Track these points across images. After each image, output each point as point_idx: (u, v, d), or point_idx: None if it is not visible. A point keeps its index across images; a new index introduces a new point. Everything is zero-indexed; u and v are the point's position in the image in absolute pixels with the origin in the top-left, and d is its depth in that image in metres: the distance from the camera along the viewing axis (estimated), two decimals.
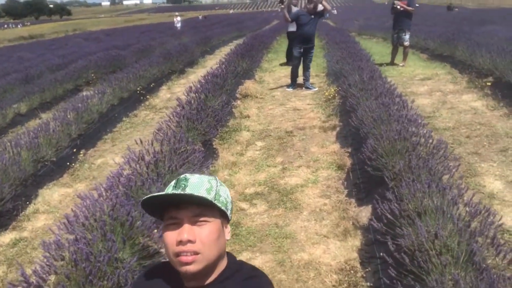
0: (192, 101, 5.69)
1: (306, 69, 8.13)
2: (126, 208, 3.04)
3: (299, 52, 7.97)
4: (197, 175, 1.08)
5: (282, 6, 8.43)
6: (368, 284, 2.81)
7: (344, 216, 3.62)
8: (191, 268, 0.99)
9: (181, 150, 4.28)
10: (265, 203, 3.94)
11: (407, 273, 2.37)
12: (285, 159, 4.89)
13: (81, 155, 5.52)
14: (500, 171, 4.07)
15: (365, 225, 3.41)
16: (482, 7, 56.95)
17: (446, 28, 14.16)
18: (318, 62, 10.72)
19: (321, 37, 15.54)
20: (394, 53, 10.00)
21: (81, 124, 5.96)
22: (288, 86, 8.41)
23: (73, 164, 5.28)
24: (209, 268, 1.04)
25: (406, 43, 9.54)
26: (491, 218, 2.64)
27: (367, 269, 2.94)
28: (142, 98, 8.02)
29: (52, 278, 2.65)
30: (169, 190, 1.05)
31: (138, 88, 8.17)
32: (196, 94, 5.99)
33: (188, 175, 1.07)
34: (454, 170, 3.25)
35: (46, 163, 5.05)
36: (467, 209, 2.70)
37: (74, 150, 5.51)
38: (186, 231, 0.99)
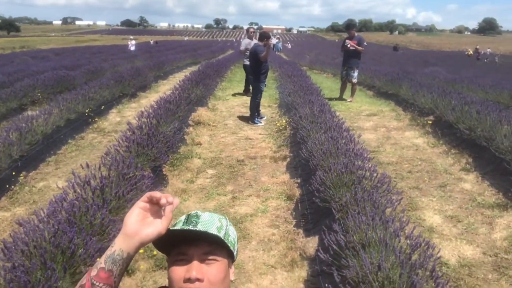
0: (143, 126, 5.61)
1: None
2: (69, 235, 2.92)
3: (264, 86, 8.05)
4: (207, 213, 1.08)
5: (264, 42, 7.79)
6: None
7: (292, 247, 3.65)
8: None
9: (129, 176, 4.18)
10: None
11: None
12: (236, 188, 4.90)
13: (22, 177, 5.26)
14: (439, 206, 4.29)
15: (312, 256, 3.46)
16: (425, 49, 60.81)
17: (392, 67, 14.98)
18: (271, 93, 10.96)
19: (274, 69, 15.93)
20: (342, 89, 10.42)
21: (23, 145, 5.69)
22: (256, 120, 8.05)
23: (12, 187, 5.01)
24: None
25: (355, 80, 9.98)
26: (431, 251, 2.77)
27: None
28: (90, 120, 7.81)
29: None
30: (179, 225, 1.04)
31: (87, 110, 7.95)
32: (148, 119, 5.92)
33: (199, 212, 1.07)
34: (396, 203, 3.40)
35: None
36: (408, 241, 2.82)
37: (14, 172, 5.24)
38: (195, 268, 0.98)
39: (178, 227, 1.03)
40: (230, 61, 18.70)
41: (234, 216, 4.22)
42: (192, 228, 1.00)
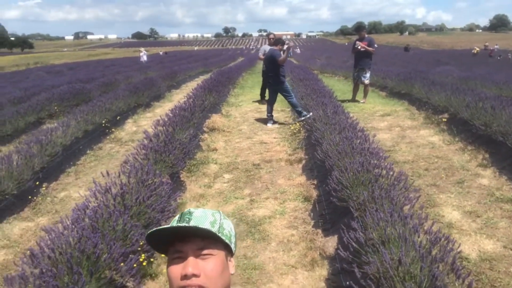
0: (160, 134, 5.71)
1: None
2: (93, 240, 3.00)
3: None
4: (200, 209, 1.08)
5: (285, 47, 8.04)
6: None
7: (311, 247, 3.68)
8: None
9: (148, 182, 4.26)
10: None
11: None
12: (253, 191, 4.95)
13: (44, 188, 5.38)
14: (457, 202, 4.28)
15: (332, 255, 3.49)
16: (436, 48, 60.32)
17: (404, 67, 14.92)
18: (283, 98, 11.00)
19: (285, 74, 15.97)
20: (355, 91, 10.43)
21: (44, 156, 5.83)
22: (303, 114, 7.77)
23: (34, 198, 5.13)
24: None
25: (367, 81, 9.98)
26: (451, 245, 2.78)
27: None
28: (107, 131, 7.95)
29: None
30: (173, 224, 1.05)
31: (103, 121, 8.09)
32: (164, 127, 6.02)
33: (192, 209, 1.07)
34: (414, 200, 3.41)
35: (6, 196, 4.89)
36: (428, 237, 2.83)
37: (37, 183, 5.37)
38: (191, 265, 0.99)
39: (173, 225, 1.04)
40: (241, 68, 18.84)
41: (252, 219, 4.27)
42: (182, 225, 1.01)
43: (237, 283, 3.23)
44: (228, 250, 1.09)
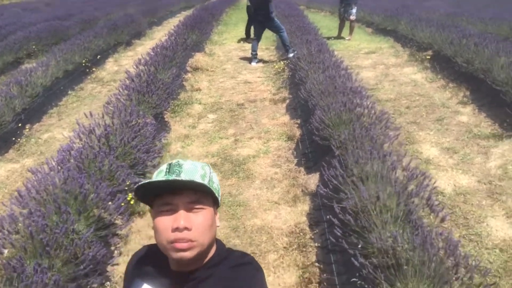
0: (142, 74, 5.62)
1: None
2: (79, 181, 3.04)
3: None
4: (189, 161, 1.06)
5: None
6: (316, 244, 3.02)
7: (294, 184, 3.81)
8: (187, 254, 0.99)
9: (132, 124, 4.26)
10: (218, 173, 4.05)
11: (352, 232, 2.58)
12: (237, 131, 5.00)
13: (27, 130, 5.36)
14: (436, 139, 4.40)
15: (314, 191, 3.62)
16: None
17: (392, 2, 14.56)
18: (268, 36, 10.75)
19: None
20: (341, 27, 10.24)
21: (25, 98, 5.73)
22: (290, 51, 7.67)
23: (18, 140, 5.12)
24: (202, 254, 1.04)
25: (353, 17, 9.78)
26: (427, 181, 2.90)
27: (315, 231, 3.15)
28: (88, 70, 7.77)
29: (7, 252, 2.64)
30: (161, 175, 1.03)
31: (84, 61, 7.89)
32: (146, 67, 5.92)
33: (180, 161, 1.05)
34: (394, 138, 3.50)
35: None
36: (405, 173, 2.95)
37: (19, 125, 5.32)
38: (183, 218, 0.98)
39: (160, 176, 1.03)
40: (225, 4, 18.21)
41: (237, 158, 4.35)
42: (177, 178, 0.99)
43: (222, 219, 3.35)
44: (215, 203, 1.10)
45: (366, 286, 2.24)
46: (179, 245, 0.98)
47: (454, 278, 2.09)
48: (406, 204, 2.62)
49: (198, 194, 1.02)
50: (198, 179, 1.01)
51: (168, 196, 1.01)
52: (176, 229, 0.98)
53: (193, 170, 1.03)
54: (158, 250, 1.05)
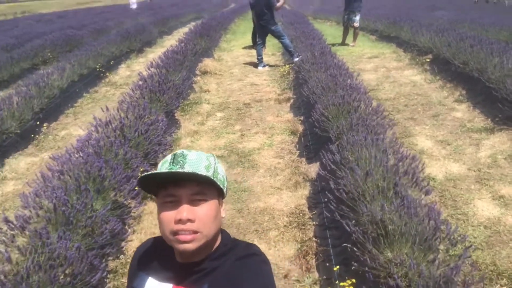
0: (154, 75, 5.94)
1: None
2: (97, 164, 3.33)
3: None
4: (194, 151, 1.05)
5: None
6: (314, 223, 3.27)
7: (296, 172, 4.06)
8: (190, 246, 0.99)
9: (145, 120, 4.56)
10: (225, 164, 4.32)
11: (345, 206, 2.83)
12: (243, 127, 5.28)
13: (45, 127, 5.68)
14: (431, 132, 4.65)
15: (313, 178, 3.87)
16: None
17: (398, 12, 14.86)
18: (274, 42, 11.09)
19: (276, 19, 15.90)
20: (345, 34, 10.55)
21: (43, 98, 6.07)
22: (295, 56, 8.01)
23: (37, 136, 5.44)
24: (206, 246, 1.03)
25: (356, 24, 10.08)
26: (416, 163, 3.14)
27: (314, 212, 3.40)
28: (102, 75, 8.14)
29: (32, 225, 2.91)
30: (165, 165, 1.02)
31: (98, 66, 8.27)
32: (158, 69, 6.25)
33: (185, 151, 1.04)
34: (388, 128, 3.75)
35: (10, 135, 5.19)
36: (396, 156, 3.20)
37: (37, 123, 5.65)
38: (186, 210, 0.98)
39: (164, 167, 1.02)
40: (234, 14, 18.66)
41: (242, 150, 4.62)
42: (180, 170, 0.98)
43: (228, 202, 3.61)
44: (220, 194, 1.09)
45: (356, 250, 2.47)
46: (182, 237, 0.98)
47: (433, 239, 2.32)
48: (394, 180, 2.86)
49: (202, 186, 1.01)
50: (202, 171, 1.00)
51: (172, 187, 1.00)
52: (179, 221, 0.98)
53: (197, 161, 1.02)
54: (164, 242, 1.06)
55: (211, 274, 1.03)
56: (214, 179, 1.02)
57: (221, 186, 1.06)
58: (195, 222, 0.98)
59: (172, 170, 0.99)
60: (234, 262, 1.04)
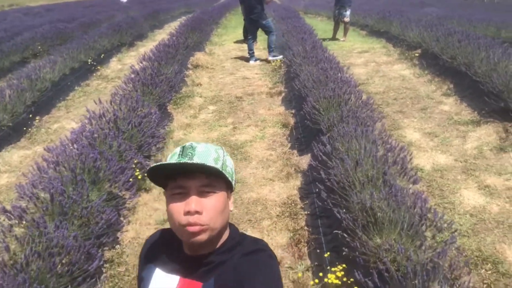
0: (146, 69, 5.97)
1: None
2: (92, 155, 3.37)
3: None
4: (203, 143, 1.05)
5: None
6: (306, 212, 3.35)
7: (287, 164, 4.14)
8: (198, 238, 0.99)
9: (138, 112, 4.60)
10: None
11: (335, 195, 2.91)
12: (235, 120, 5.35)
13: (37, 121, 5.69)
14: (419, 125, 4.75)
15: (305, 170, 3.95)
16: None
17: (387, 8, 14.98)
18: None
19: (268, 14, 15.93)
20: (335, 29, 10.63)
21: (34, 91, 6.07)
22: (271, 55, 8.47)
23: (29, 129, 5.45)
24: (214, 238, 1.04)
25: (347, 19, 10.16)
26: (405, 153, 3.24)
27: (305, 202, 3.49)
28: (93, 68, 8.14)
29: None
30: (174, 157, 1.02)
31: (89, 59, 8.26)
32: (150, 62, 6.28)
33: (194, 143, 1.04)
34: (377, 120, 3.85)
35: (2, 128, 5.20)
36: (385, 146, 3.29)
37: (30, 116, 5.66)
38: (194, 202, 0.98)
39: (173, 159, 1.02)
40: (225, 8, 18.65)
41: (235, 143, 4.69)
42: (188, 161, 0.98)
43: None
44: (229, 187, 1.08)
45: (346, 236, 2.56)
46: (191, 229, 0.98)
47: (420, 225, 2.42)
48: (383, 169, 2.95)
49: (210, 178, 1.01)
50: (211, 163, 1.00)
51: (180, 179, 1.00)
52: (188, 213, 0.98)
53: (206, 153, 1.02)
54: (172, 234, 1.06)
55: (219, 268, 1.03)
56: (223, 171, 1.02)
57: (230, 178, 1.05)
58: (203, 214, 0.99)
59: (181, 162, 0.99)
60: (242, 257, 1.04)
